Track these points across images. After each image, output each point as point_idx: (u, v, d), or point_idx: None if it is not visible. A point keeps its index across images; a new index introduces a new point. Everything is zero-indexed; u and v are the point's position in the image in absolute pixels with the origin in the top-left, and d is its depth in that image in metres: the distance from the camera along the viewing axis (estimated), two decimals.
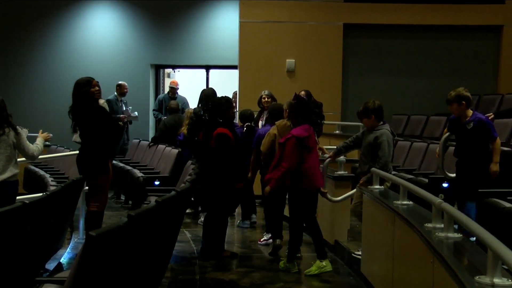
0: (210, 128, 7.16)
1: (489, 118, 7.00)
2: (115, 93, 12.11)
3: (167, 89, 14.41)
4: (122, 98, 12.22)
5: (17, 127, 6.38)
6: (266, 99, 9.28)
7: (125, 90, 12.23)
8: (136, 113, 12.33)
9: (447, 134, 7.08)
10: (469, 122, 6.61)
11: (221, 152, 7.05)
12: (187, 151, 9.40)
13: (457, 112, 6.66)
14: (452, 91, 6.67)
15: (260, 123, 8.99)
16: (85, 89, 6.67)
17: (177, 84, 12.81)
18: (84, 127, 6.75)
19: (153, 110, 13.00)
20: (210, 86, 14.04)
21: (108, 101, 11.17)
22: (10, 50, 14.13)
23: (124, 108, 12.10)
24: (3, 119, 6.25)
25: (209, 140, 7.10)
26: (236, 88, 12.23)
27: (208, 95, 8.61)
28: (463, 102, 6.59)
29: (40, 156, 6.89)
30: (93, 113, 6.72)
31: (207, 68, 14.54)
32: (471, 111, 6.68)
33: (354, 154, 7.27)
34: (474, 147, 6.60)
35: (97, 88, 6.77)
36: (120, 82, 12.22)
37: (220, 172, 7.06)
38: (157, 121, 13.06)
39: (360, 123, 10.61)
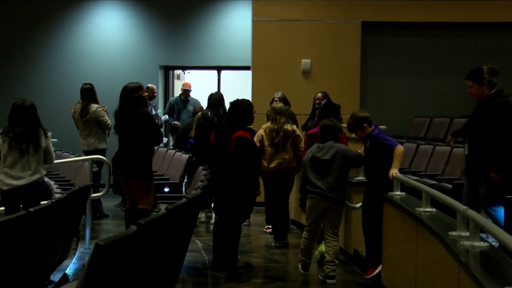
0: (229, 132, 7.08)
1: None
2: None
3: (176, 92, 14.44)
4: (151, 102, 12.18)
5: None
6: (277, 101, 9.30)
7: (154, 94, 12.26)
8: (166, 116, 12.57)
9: None
10: (366, 141, 6.59)
11: (242, 157, 6.97)
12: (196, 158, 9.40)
13: (363, 135, 6.63)
14: (349, 117, 6.67)
15: None
16: (138, 93, 7.12)
17: (190, 86, 12.80)
18: (136, 130, 7.06)
19: (164, 114, 12.98)
20: (221, 87, 14.09)
21: None
22: (15, 51, 14.19)
23: (154, 112, 12.08)
24: (38, 122, 6.84)
25: (227, 143, 7.01)
26: (249, 90, 12.20)
27: (219, 99, 8.76)
28: (365, 124, 6.57)
29: None
30: (148, 117, 7.20)
31: (219, 69, 14.53)
32: (372, 128, 6.60)
33: None
34: (375, 168, 6.49)
35: (146, 93, 7.43)
36: (149, 85, 12.03)
37: (239, 178, 6.97)
38: (168, 126, 13.04)
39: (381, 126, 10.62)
